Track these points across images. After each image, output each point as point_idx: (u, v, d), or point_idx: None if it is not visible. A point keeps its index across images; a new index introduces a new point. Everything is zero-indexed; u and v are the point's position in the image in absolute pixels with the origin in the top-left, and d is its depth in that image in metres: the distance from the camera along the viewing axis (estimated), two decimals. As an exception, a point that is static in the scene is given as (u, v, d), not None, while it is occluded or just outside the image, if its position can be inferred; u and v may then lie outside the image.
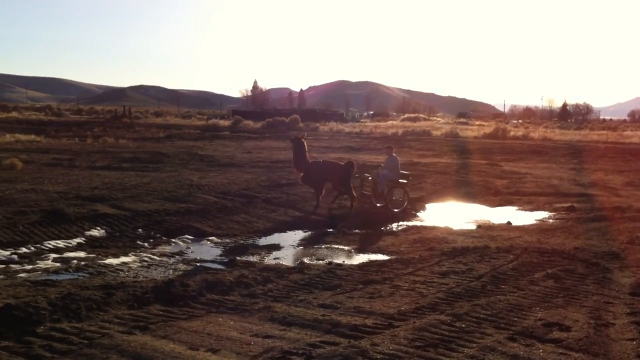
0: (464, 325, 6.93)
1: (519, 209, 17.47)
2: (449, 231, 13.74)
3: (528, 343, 6.49)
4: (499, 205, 18.11)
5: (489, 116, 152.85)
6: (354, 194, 16.68)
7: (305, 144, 16.87)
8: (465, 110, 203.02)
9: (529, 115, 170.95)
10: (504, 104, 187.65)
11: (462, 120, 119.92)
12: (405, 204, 16.63)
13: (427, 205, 17.69)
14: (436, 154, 36.52)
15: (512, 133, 60.62)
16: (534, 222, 15.25)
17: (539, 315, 7.44)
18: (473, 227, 14.46)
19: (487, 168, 27.65)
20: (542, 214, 16.42)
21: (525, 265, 10.16)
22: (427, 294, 8.42)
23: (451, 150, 39.56)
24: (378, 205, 16.80)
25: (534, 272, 9.73)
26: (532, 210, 17.13)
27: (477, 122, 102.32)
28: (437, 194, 19.66)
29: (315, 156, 20.04)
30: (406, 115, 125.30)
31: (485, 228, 14.20)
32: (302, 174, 16.76)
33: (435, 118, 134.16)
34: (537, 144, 47.36)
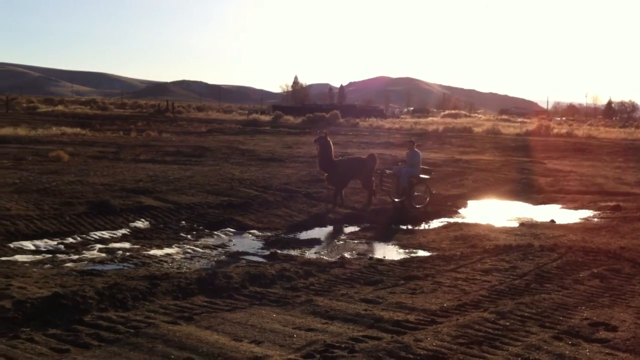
0: (508, 324, 6.87)
1: (562, 207, 17.20)
2: (491, 228, 13.60)
3: (574, 342, 6.40)
4: (542, 203, 17.85)
5: (531, 113, 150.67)
6: (375, 189, 16.42)
7: (330, 142, 16.19)
8: (507, 107, 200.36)
9: (572, 112, 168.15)
10: (547, 101, 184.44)
11: (504, 117, 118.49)
12: (428, 199, 16.36)
13: (469, 202, 17.54)
14: (478, 150, 36.14)
15: (555, 130, 59.56)
16: (579, 220, 15.00)
17: (585, 315, 7.33)
18: (516, 224, 14.29)
19: (530, 165, 27.28)
20: (586, 213, 16.14)
21: (570, 264, 10.01)
22: (469, 291, 8.36)
23: (493, 147, 39.09)
24: (397, 200, 16.55)
25: (579, 271, 9.58)
26: (576, 208, 16.85)
27: (519, 119, 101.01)
28: (478, 191, 19.48)
29: (350, 152, 19.93)
30: (447, 112, 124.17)
31: (528, 226, 14.02)
32: (327, 174, 16.23)
33: (476, 115, 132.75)
34: (582, 142, 46.47)
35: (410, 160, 16.62)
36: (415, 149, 17.01)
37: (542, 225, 14.16)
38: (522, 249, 11.14)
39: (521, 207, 17.16)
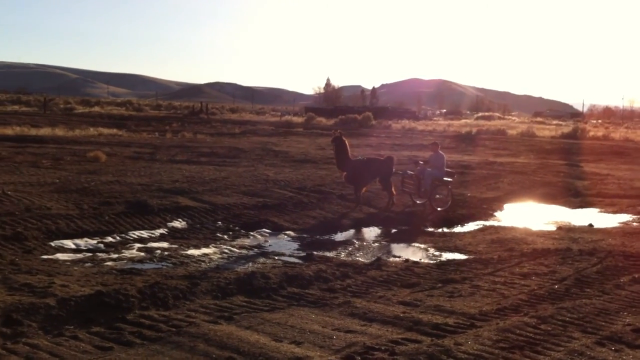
0: (549, 328, 6.79)
1: (600, 211, 16.94)
2: (528, 232, 13.46)
3: (617, 348, 6.31)
4: (580, 207, 17.61)
5: (566, 115, 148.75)
6: (394, 190, 16.20)
7: (346, 142, 16.12)
8: (542, 109, 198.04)
9: (608, 115, 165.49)
10: (583, 103, 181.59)
11: (538, 119, 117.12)
12: (449, 202, 16.16)
13: (505, 205, 17.37)
14: (512, 153, 35.78)
15: (591, 133, 58.72)
16: (617, 224, 14.75)
17: (627, 320, 7.21)
18: (553, 228, 14.11)
19: (566, 169, 26.91)
20: (625, 217, 15.87)
21: (610, 268, 9.86)
22: (508, 295, 8.29)
23: (528, 149, 38.65)
24: (418, 202, 16.49)
25: (619, 276, 9.43)
26: (614, 212, 16.58)
27: (554, 122, 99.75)
28: (514, 194, 19.28)
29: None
30: (480, 114, 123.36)
31: (565, 230, 13.84)
32: (345, 174, 16.11)
33: (510, 117, 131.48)
34: (619, 145, 45.70)
35: (434, 163, 16.50)
36: (440, 151, 16.87)
37: (580, 229, 13.97)
38: (561, 253, 11.00)
39: (558, 211, 16.95)
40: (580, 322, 7.07)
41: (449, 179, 16.50)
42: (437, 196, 16.39)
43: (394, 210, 15.70)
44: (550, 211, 16.83)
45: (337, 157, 16.28)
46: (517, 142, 46.69)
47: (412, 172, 16.71)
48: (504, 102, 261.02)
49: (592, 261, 10.35)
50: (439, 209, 15.90)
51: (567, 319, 7.18)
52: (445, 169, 16.63)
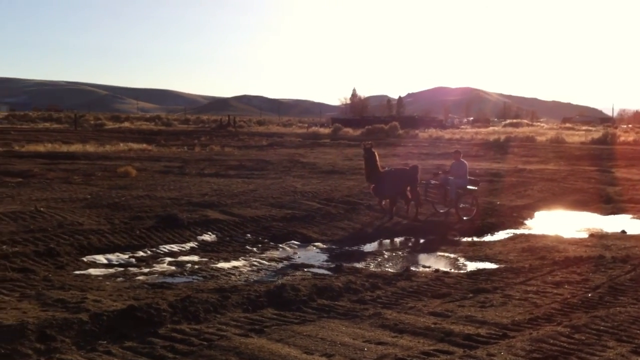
0: (583, 337, 6.69)
1: (633, 217, 16.69)
2: (559, 239, 13.29)
3: (653, 358, 6.19)
4: (612, 214, 17.37)
5: (596, 121, 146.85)
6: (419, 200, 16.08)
7: (376, 153, 15.90)
8: (571, 115, 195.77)
9: (639, 119, 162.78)
10: (612, 108, 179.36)
11: (567, 125, 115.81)
12: (475, 211, 16.02)
13: (535, 213, 17.19)
14: (542, 160, 35.42)
15: (622, 138, 57.86)
16: (652, 231, 14.51)
17: (664, 329, 7.08)
18: (585, 235, 13.93)
19: (597, 175, 26.56)
20: (659, 223, 15.60)
21: (644, 276, 9.68)
22: (541, 304, 8.19)
23: (557, 156, 38.25)
24: (441, 211, 16.38)
25: (654, 283, 9.26)
26: (648, 218, 16.32)
27: (583, 127, 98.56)
28: (544, 202, 19.07)
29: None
30: (508, 121, 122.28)
31: (598, 237, 13.64)
32: (373, 186, 15.90)
33: (538, 123, 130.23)
34: (651, 150, 44.98)
35: (457, 172, 16.37)
36: (462, 159, 16.72)
37: (613, 236, 13.77)
38: (594, 260, 10.84)
39: (590, 218, 16.73)
40: (615, 331, 6.96)
41: (474, 187, 16.38)
42: (462, 205, 16.29)
43: (421, 220, 15.63)
44: (581, 218, 16.62)
45: (366, 168, 16.08)
46: (546, 148, 46.23)
47: (435, 182, 16.61)
48: (532, 108, 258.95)
49: (626, 268, 10.19)
50: (464, 218, 15.79)
51: (602, 327, 7.08)
52: (469, 177, 16.51)
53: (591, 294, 8.70)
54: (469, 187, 16.24)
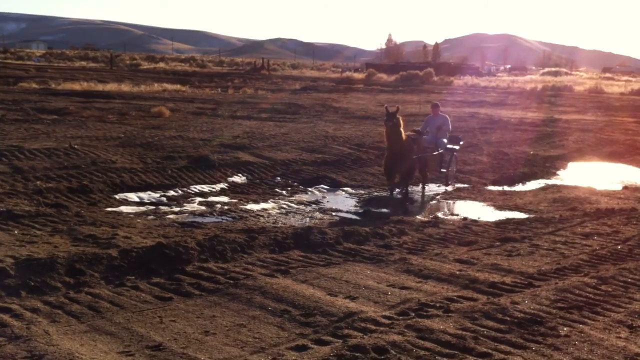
0: (609, 289, 6.64)
1: (670, 171, 16.34)
2: (591, 191, 13.09)
3: (680, 311, 6.13)
4: (649, 166, 17.02)
5: (637, 71, 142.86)
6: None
7: (401, 120, 12.00)
8: (611, 64, 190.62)
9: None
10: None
11: (607, 75, 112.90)
12: (454, 171, 14.36)
13: (569, 164, 16.94)
14: (579, 110, 34.69)
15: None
16: (688, 185, 14.21)
17: (693, 284, 6.98)
18: (618, 187, 13.70)
19: (634, 127, 25.96)
20: (697, 177, 15.27)
21: (677, 230, 9.52)
22: (568, 255, 8.13)
23: (595, 106, 37.40)
24: (443, 170, 14.04)
25: (687, 238, 9.10)
26: (686, 172, 15.97)
27: (624, 78, 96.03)
28: (579, 153, 18.76)
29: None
30: (546, 70, 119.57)
31: (632, 189, 13.42)
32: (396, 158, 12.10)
33: (577, 73, 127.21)
34: (694, 102, 43.71)
35: (435, 126, 13.94)
36: (441, 113, 14.50)
37: (648, 189, 13.52)
38: (625, 213, 10.68)
39: (625, 170, 16.44)
40: (643, 284, 6.89)
41: (455, 147, 14.30)
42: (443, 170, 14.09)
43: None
44: (616, 170, 16.34)
45: (389, 138, 12.06)
46: (584, 98, 45.22)
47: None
48: (572, 57, 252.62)
49: (659, 222, 10.02)
50: (440, 187, 13.91)
51: (629, 280, 7.01)
52: (451, 134, 14.34)
53: (620, 246, 8.60)
54: (448, 146, 14.02)
